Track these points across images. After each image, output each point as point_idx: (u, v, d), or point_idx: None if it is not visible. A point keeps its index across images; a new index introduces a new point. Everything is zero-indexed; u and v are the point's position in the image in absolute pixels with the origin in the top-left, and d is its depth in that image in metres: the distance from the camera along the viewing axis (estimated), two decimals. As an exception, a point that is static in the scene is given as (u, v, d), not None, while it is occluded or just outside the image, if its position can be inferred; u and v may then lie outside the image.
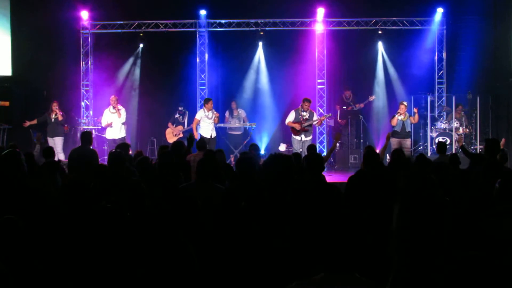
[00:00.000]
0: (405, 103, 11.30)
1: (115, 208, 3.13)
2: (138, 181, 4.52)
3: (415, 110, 11.53)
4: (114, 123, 11.60)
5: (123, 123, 11.70)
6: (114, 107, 11.54)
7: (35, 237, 3.27)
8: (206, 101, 11.33)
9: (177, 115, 12.41)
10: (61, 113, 11.52)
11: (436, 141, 11.66)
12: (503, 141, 8.79)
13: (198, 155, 7.05)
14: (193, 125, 11.31)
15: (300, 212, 3.09)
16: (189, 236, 3.39)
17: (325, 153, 12.13)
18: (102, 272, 2.87)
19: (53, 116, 11.44)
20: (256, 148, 8.05)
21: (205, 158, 5.35)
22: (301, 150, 10.34)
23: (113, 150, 5.99)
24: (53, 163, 5.45)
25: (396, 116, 11.04)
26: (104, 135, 12.01)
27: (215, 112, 11.27)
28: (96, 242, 2.99)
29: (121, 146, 6.77)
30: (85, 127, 12.71)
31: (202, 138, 9.83)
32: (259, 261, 2.81)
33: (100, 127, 12.32)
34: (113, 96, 11.81)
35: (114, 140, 11.41)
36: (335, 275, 2.16)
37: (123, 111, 11.67)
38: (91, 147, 7.60)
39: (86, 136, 7.43)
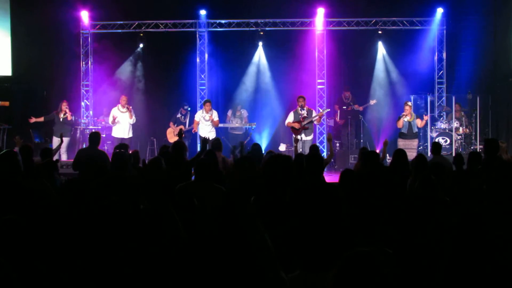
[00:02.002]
0: (409, 103, 11.24)
1: (113, 206, 3.14)
2: (137, 181, 4.52)
3: (426, 117, 11.61)
4: (123, 123, 11.61)
5: (131, 124, 11.72)
6: (127, 108, 11.52)
7: (34, 237, 3.27)
8: (204, 102, 11.67)
9: (178, 115, 12.40)
10: (71, 113, 11.52)
11: (436, 141, 11.64)
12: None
13: (219, 155, 7.00)
14: (194, 126, 11.79)
15: (299, 212, 3.09)
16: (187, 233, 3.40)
17: (324, 153, 12.14)
18: (100, 271, 2.87)
19: (62, 115, 11.41)
20: (258, 148, 8.02)
21: (205, 158, 5.36)
22: (301, 150, 10.32)
23: (117, 151, 5.97)
24: (51, 163, 5.44)
25: (402, 118, 10.99)
26: (111, 134, 11.99)
27: (213, 113, 11.34)
28: (95, 241, 3.00)
29: (121, 146, 6.73)
30: (85, 127, 12.70)
31: (218, 138, 9.82)
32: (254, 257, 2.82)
33: (100, 127, 12.33)
34: (123, 96, 11.84)
35: (122, 139, 11.36)
36: (310, 273, 2.13)
37: (133, 112, 11.71)
38: (99, 148, 7.53)
39: (95, 137, 7.34)
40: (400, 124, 11.00)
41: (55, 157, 7.57)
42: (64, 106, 11.46)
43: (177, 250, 3.22)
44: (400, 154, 6.14)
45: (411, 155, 9.95)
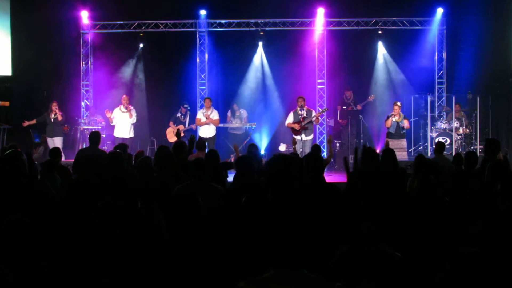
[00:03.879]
0: (398, 103, 11.18)
1: (110, 206, 3.15)
2: (134, 182, 4.53)
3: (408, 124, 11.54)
4: (124, 123, 11.59)
5: (132, 124, 11.71)
6: (126, 107, 11.52)
7: (38, 236, 3.29)
8: (204, 99, 11.69)
9: (178, 114, 12.39)
10: (61, 113, 11.50)
11: (436, 141, 11.64)
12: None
13: (198, 155, 7.04)
14: (197, 123, 11.72)
15: (300, 212, 3.09)
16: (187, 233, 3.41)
17: (324, 153, 12.13)
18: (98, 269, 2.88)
19: (53, 116, 11.40)
20: (255, 148, 8.03)
21: (203, 157, 5.35)
22: (301, 150, 10.33)
23: (112, 150, 5.98)
24: (51, 162, 5.43)
25: (390, 117, 10.97)
26: (111, 134, 11.97)
27: (213, 112, 11.36)
28: (94, 240, 3.01)
29: (120, 146, 6.74)
30: (85, 127, 12.70)
31: (201, 138, 9.84)
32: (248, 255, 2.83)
33: (100, 127, 12.32)
34: (124, 96, 11.83)
35: (123, 139, 11.33)
36: (284, 272, 2.15)
37: (134, 111, 11.70)
38: (99, 148, 7.52)
39: (95, 136, 7.32)
40: (388, 123, 10.96)
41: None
42: (54, 106, 11.43)
43: (160, 251, 3.25)
44: (388, 153, 6.04)
45: (401, 154, 9.95)
